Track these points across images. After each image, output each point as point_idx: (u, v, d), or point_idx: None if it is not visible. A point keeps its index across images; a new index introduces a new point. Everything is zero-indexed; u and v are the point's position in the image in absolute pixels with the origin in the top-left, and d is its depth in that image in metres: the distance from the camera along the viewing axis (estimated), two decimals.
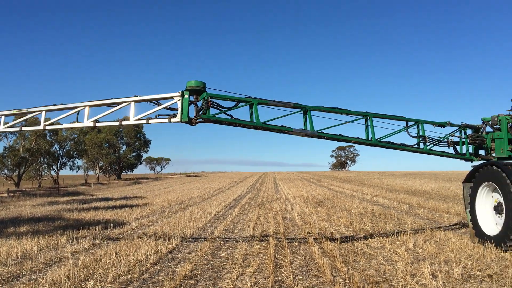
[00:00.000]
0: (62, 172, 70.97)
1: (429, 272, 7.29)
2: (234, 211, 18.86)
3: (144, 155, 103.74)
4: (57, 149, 67.07)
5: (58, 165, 67.54)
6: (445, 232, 11.88)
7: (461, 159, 12.07)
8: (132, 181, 69.66)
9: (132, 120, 9.46)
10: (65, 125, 10.26)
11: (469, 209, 10.75)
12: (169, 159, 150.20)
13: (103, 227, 13.98)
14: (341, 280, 7.17)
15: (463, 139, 11.94)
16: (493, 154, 11.77)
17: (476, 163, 11.43)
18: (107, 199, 28.85)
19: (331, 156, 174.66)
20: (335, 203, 21.74)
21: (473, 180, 10.75)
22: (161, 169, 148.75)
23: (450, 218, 15.32)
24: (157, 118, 9.48)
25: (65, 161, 69.69)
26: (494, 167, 9.83)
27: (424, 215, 16.65)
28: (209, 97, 9.59)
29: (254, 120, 9.93)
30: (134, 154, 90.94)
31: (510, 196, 9.15)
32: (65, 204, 24.85)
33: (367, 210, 18.23)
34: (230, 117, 9.95)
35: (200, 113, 9.66)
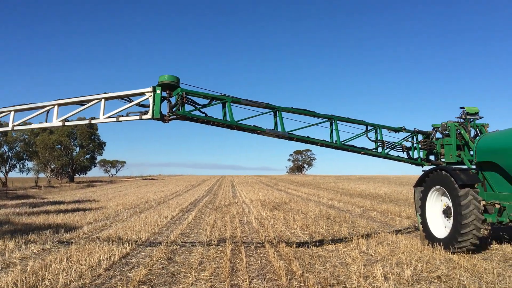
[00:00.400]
0: (11, 175, 68.20)
1: (381, 274, 7.47)
2: (191, 214, 18.69)
3: (99, 158, 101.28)
4: (6, 150, 64.38)
5: (7, 167, 64.82)
6: (397, 234, 12.23)
7: (413, 164, 12.51)
8: (86, 184, 67.75)
9: (102, 118, 9.14)
10: (34, 125, 9.99)
11: (420, 213, 11.11)
12: (125, 162, 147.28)
13: (54, 232, 13.50)
14: (296, 283, 7.23)
15: (415, 145, 12.39)
16: (443, 160, 12.25)
17: (427, 168, 11.86)
18: (59, 203, 27.90)
19: (289, 160, 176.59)
20: (291, 207, 21.95)
21: (424, 184, 11.12)
22: (116, 172, 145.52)
23: (402, 221, 15.80)
24: (128, 116, 9.19)
25: (15, 163, 67.01)
26: (443, 172, 10.22)
27: (377, 218, 17.09)
28: (184, 93, 9.31)
29: (228, 119, 9.80)
30: (87, 156, 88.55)
31: (458, 200, 9.52)
32: (14, 208, 23.83)
33: (323, 213, 18.51)
34: (204, 115, 9.76)
35: (173, 109, 9.34)
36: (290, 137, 10.63)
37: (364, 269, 7.99)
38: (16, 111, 9.67)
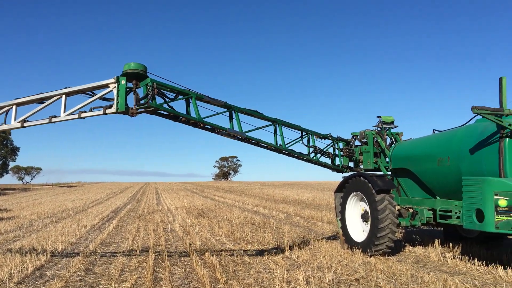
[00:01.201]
0: None
1: (303, 279, 7.63)
2: (112, 223, 17.99)
3: (11, 164, 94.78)
4: None
5: None
6: (318, 239, 12.58)
7: (335, 170, 12.99)
8: None
9: (63, 116, 8.47)
10: None
11: (340, 217, 11.53)
12: (40, 168, 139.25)
13: None
14: None
15: (337, 151, 12.90)
16: (361, 166, 12.85)
17: (347, 174, 12.35)
18: None
19: (215, 166, 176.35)
20: (217, 213, 21.88)
21: (343, 190, 11.57)
22: (31, 179, 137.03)
23: (323, 226, 16.30)
24: (92, 111, 8.50)
25: None
26: (361, 178, 10.69)
27: (300, 223, 17.50)
28: (155, 84, 8.67)
29: (194, 116, 9.51)
30: None
31: (375, 205, 10.00)
32: None
33: (248, 219, 18.63)
34: (172, 109, 9.33)
35: (141, 102, 8.66)
36: (246, 138, 10.65)
37: (287, 274, 8.11)
38: None
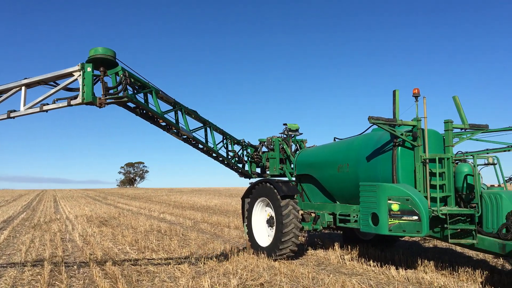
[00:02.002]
0: None
1: (209, 286, 7.58)
2: (3, 234, 16.52)
3: None
4: None
5: None
6: (225, 245, 12.60)
7: (244, 175, 13.10)
8: None
9: (24, 110, 7.62)
10: None
11: (246, 223, 11.66)
12: None
13: None
14: None
15: (246, 157, 13.03)
16: (267, 172, 13.11)
17: (254, 180, 12.53)
18: None
19: (119, 172, 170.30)
20: (121, 222, 21.05)
21: (250, 196, 11.72)
22: None
23: (230, 231, 16.37)
24: (55, 103, 7.65)
25: None
26: (267, 184, 10.91)
27: (208, 230, 17.41)
28: (127, 73, 7.91)
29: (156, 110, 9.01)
30: None
31: (280, 210, 10.24)
32: None
33: (154, 227, 18.15)
34: (144, 102, 8.70)
35: (111, 91, 7.86)
36: (193, 138, 10.48)
37: (192, 281, 8.01)
38: None
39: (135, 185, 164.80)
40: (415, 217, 7.95)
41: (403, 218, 8.09)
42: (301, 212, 11.28)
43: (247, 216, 11.69)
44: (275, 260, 10.13)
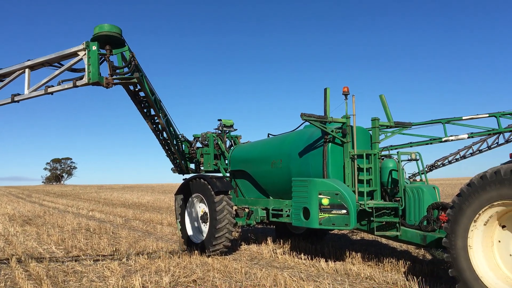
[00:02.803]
0: None
1: (140, 284, 7.41)
2: None
3: None
4: None
5: None
6: (157, 242, 12.38)
7: (178, 171, 12.90)
8: None
9: (28, 93, 7.15)
10: None
11: (180, 219, 11.52)
12: None
13: None
14: None
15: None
16: (202, 168, 13.01)
17: (188, 176, 12.40)
18: None
19: (45, 169, 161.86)
20: (46, 220, 20.03)
21: (184, 192, 11.59)
22: None
23: (163, 229, 16.11)
24: (60, 85, 7.18)
25: None
26: (201, 180, 10.84)
27: (139, 227, 17.02)
28: (134, 54, 7.41)
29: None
30: None
31: (214, 206, 10.22)
32: None
33: (82, 225, 17.45)
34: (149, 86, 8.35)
35: (118, 71, 7.42)
36: (166, 127, 10.61)
37: (122, 280, 7.79)
38: None
39: (62, 182, 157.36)
40: (344, 211, 8.25)
41: (332, 212, 8.36)
42: (235, 207, 11.32)
43: (180, 213, 11.55)
44: (208, 256, 10.10)
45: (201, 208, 11.23)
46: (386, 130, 9.97)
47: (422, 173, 9.18)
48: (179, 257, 10.10)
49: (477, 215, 5.91)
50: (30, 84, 7.49)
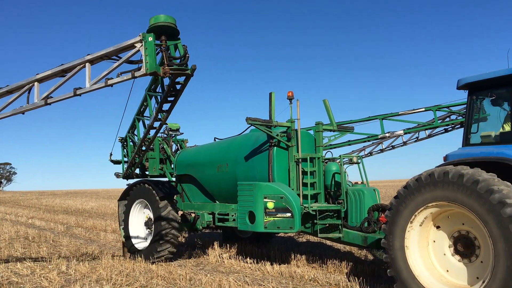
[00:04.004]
0: None
1: None
2: None
3: None
4: None
5: None
6: (100, 250, 12.00)
7: (123, 176, 12.55)
8: None
9: (89, 86, 7.45)
10: (14, 111, 8.27)
11: (123, 226, 11.22)
12: None
13: None
14: None
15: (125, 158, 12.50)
16: (147, 173, 12.75)
17: (132, 181, 12.11)
18: None
19: None
20: None
21: (128, 197, 11.31)
22: None
23: (107, 235, 15.64)
24: (119, 77, 7.27)
25: None
26: (146, 185, 10.62)
27: (82, 234, 16.45)
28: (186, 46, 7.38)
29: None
30: None
31: (158, 212, 10.04)
32: None
33: (20, 234, 16.63)
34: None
35: (176, 61, 7.35)
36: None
37: None
38: None
39: (0, 188, 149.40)
40: (289, 214, 8.35)
41: (277, 215, 8.43)
42: (180, 212, 11.17)
43: (123, 219, 11.26)
44: (152, 263, 9.90)
45: (146, 214, 11.00)
46: (329, 135, 10.17)
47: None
48: (122, 264, 9.82)
49: (413, 216, 6.16)
50: (90, 77, 7.70)
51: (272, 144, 9.27)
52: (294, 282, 8.03)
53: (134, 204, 11.10)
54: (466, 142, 6.55)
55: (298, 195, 8.78)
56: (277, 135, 9.17)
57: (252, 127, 9.80)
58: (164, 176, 12.76)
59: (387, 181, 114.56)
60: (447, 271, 6.12)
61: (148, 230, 10.85)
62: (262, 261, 9.64)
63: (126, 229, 11.12)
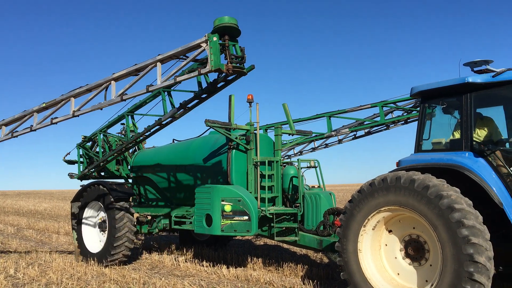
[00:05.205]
0: None
1: None
2: None
3: None
4: None
5: None
6: (51, 253, 11.58)
7: (81, 177, 12.10)
8: None
9: (160, 83, 8.04)
10: (93, 107, 8.88)
11: (76, 228, 10.89)
12: None
13: None
14: None
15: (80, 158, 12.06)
16: (102, 174, 12.42)
17: (86, 182, 11.76)
18: None
19: None
20: None
21: (81, 199, 10.98)
22: None
23: (59, 238, 15.14)
24: (187, 74, 7.99)
25: None
26: (100, 186, 10.35)
27: (33, 237, 15.87)
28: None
29: None
30: None
31: (113, 214, 9.81)
32: None
33: None
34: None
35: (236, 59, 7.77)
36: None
37: None
38: (75, 96, 9.06)
39: None
40: (246, 217, 8.33)
41: (234, 218, 8.40)
42: (136, 215, 10.93)
43: (76, 221, 10.93)
44: (106, 266, 9.65)
45: (100, 216, 10.73)
46: (287, 139, 10.22)
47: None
48: (73, 268, 9.53)
49: (366, 220, 6.27)
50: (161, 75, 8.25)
51: (231, 147, 9.24)
52: (250, 285, 8.02)
53: (88, 206, 10.81)
54: (418, 148, 6.73)
55: (256, 198, 8.79)
56: (236, 138, 9.15)
57: (211, 130, 9.74)
58: (121, 177, 12.49)
59: (344, 185, 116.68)
60: (398, 274, 6.26)
61: (102, 232, 10.57)
62: (219, 264, 9.57)
63: (79, 231, 10.80)
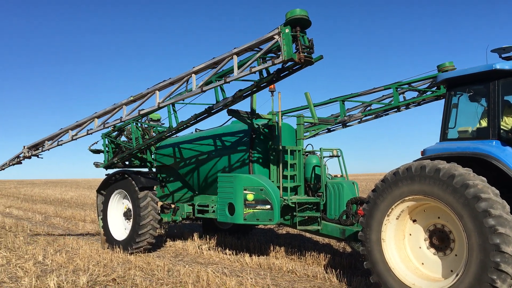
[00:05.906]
0: None
1: (55, 284, 7.07)
2: None
3: None
4: None
5: None
6: (78, 240, 11.86)
7: (106, 166, 12.29)
8: None
9: (237, 74, 8.23)
10: (175, 98, 9.23)
11: (102, 216, 11.11)
12: None
13: None
14: None
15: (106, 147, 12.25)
16: (127, 163, 12.57)
17: (111, 171, 11.95)
18: None
19: None
20: None
21: (107, 188, 11.19)
22: None
23: (86, 226, 15.48)
24: (261, 65, 8.14)
25: None
26: (125, 175, 10.52)
27: (60, 224, 16.26)
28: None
29: None
30: None
31: (138, 202, 9.96)
32: None
33: None
34: None
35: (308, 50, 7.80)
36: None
37: (37, 281, 7.39)
38: (159, 89, 9.32)
39: None
40: (268, 206, 8.36)
41: (257, 207, 8.44)
42: (160, 203, 11.10)
43: (102, 209, 11.15)
44: (131, 253, 9.84)
45: (125, 204, 10.91)
46: (309, 128, 10.18)
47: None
48: (99, 255, 9.75)
49: (390, 210, 6.21)
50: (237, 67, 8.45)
51: (253, 136, 9.25)
52: (272, 273, 8.07)
53: (113, 194, 10.99)
54: (443, 137, 6.62)
55: (278, 187, 8.80)
56: (258, 127, 9.15)
57: (234, 119, 9.76)
58: (145, 166, 12.65)
59: (367, 174, 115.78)
60: (422, 264, 6.20)
61: (127, 220, 10.76)
62: (241, 252, 9.65)
63: (104, 219, 11.01)
